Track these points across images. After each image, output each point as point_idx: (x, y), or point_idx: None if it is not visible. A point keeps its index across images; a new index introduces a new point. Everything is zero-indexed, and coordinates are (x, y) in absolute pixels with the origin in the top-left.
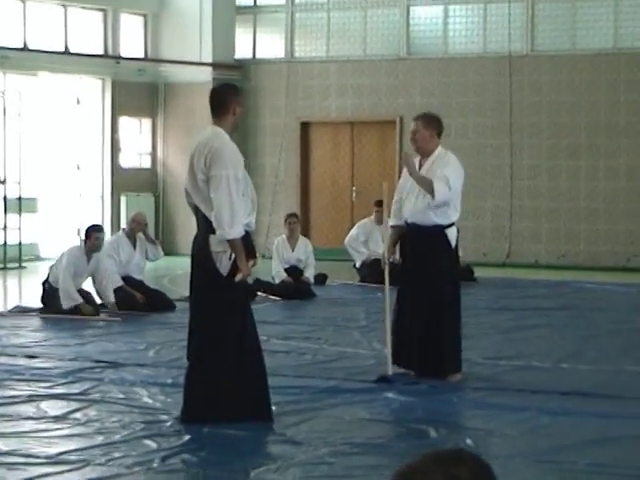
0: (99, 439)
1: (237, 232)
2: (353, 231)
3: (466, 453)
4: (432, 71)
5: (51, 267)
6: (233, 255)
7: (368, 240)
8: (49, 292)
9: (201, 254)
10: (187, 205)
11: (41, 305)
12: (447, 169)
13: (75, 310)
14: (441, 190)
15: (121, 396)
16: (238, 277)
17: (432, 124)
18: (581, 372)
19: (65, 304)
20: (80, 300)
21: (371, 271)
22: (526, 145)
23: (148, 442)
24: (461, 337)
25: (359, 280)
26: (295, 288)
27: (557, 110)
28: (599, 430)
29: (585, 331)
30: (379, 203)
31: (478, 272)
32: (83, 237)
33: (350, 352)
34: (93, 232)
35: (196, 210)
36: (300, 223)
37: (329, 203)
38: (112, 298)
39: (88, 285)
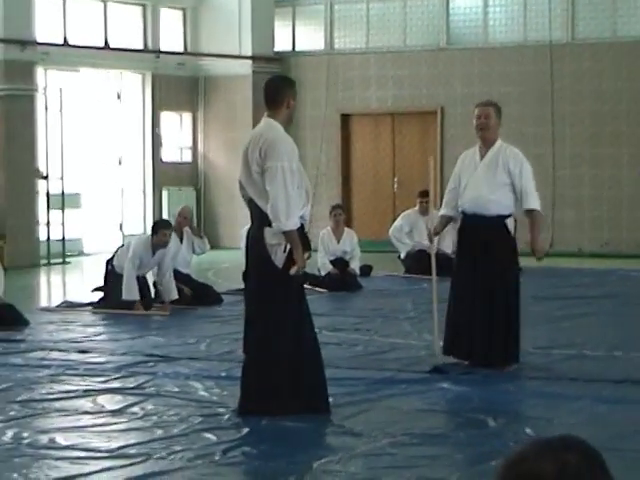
0: (158, 433)
1: (293, 224)
2: (397, 222)
3: (576, 440)
4: (472, 61)
5: (118, 249)
6: (288, 247)
7: (412, 231)
8: (112, 275)
9: (256, 247)
10: (229, 198)
11: (102, 284)
12: (524, 174)
13: (129, 304)
14: (537, 200)
15: (176, 390)
16: (293, 270)
17: (499, 112)
18: (633, 360)
19: (125, 295)
20: (137, 298)
21: (416, 262)
22: (568, 134)
23: (208, 435)
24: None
25: (404, 271)
26: (341, 280)
27: (599, 98)
28: None
29: (633, 319)
30: (423, 194)
31: (522, 261)
32: (150, 232)
33: (401, 343)
34: (161, 228)
35: (250, 203)
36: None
37: (371, 194)
38: (174, 295)
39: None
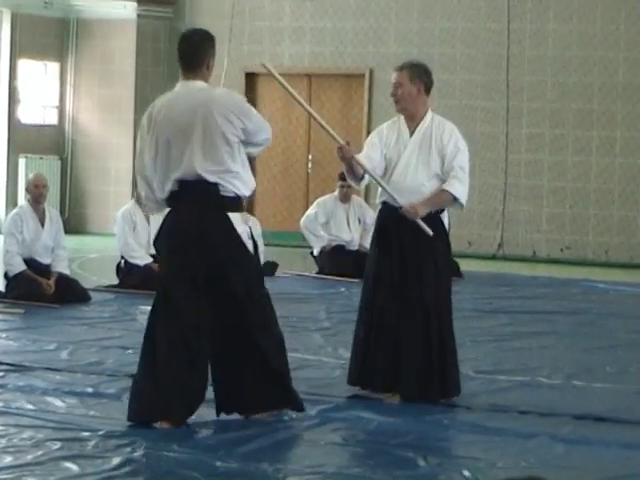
0: (7, 460)
1: None
2: (311, 210)
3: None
4: (411, 14)
5: None
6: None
7: (329, 222)
8: None
9: (228, 239)
10: (101, 172)
11: None
12: (459, 156)
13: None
14: (463, 190)
15: (30, 407)
16: None
17: (419, 77)
18: (597, 391)
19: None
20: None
21: (332, 260)
22: (525, 109)
23: (68, 465)
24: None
25: (317, 271)
26: None
27: (565, 67)
28: (624, 463)
29: (598, 341)
30: (344, 176)
31: (463, 266)
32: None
33: (312, 360)
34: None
35: (196, 187)
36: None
37: (279, 175)
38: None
39: None
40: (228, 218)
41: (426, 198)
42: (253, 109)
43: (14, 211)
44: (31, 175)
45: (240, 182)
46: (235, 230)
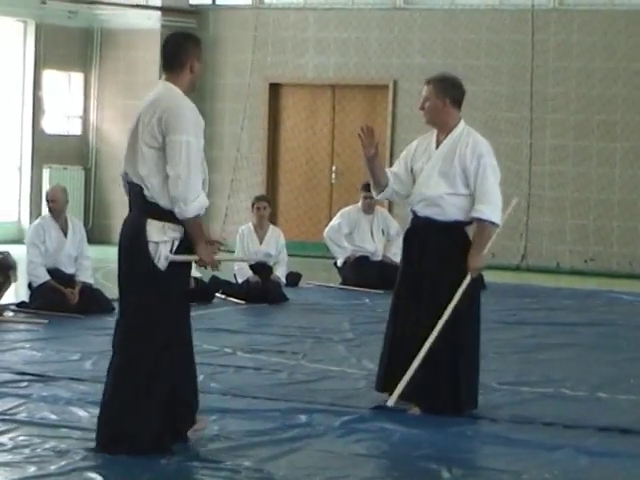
0: (30, 470)
1: (195, 209)
2: (335, 221)
3: None
4: (435, 25)
5: None
6: (175, 246)
7: (353, 233)
8: None
9: (134, 244)
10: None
11: None
12: (482, 173)
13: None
14: (492, 210)
15: (54, 417)
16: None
17: (444, 91)
18: (622, 403)
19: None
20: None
21: (356, 271)
22: (549, 121)
23: (92, 475)
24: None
25: (340, 282)
26: (263, 289)
27: (589, 79)
28: None
29: (623, 353)
30: (367, 187)
31: (486, 277)
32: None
33: (335, 371)
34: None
35: (131, 187)
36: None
37: (303, 185)
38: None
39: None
40: (143, 223)
41: (472, 248)
42: (190, 137)
43: (36, 221)
44: (48, 188)
45: (157, 196)
46: (144, 236)
